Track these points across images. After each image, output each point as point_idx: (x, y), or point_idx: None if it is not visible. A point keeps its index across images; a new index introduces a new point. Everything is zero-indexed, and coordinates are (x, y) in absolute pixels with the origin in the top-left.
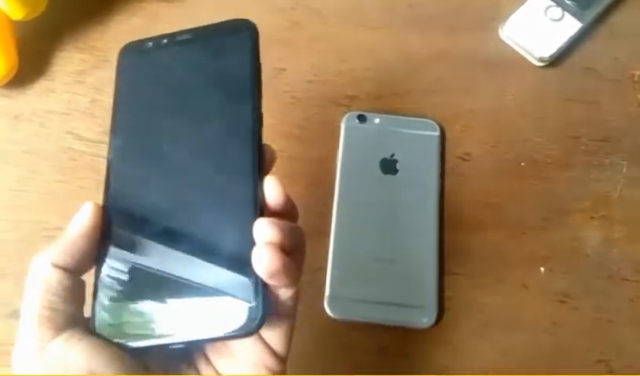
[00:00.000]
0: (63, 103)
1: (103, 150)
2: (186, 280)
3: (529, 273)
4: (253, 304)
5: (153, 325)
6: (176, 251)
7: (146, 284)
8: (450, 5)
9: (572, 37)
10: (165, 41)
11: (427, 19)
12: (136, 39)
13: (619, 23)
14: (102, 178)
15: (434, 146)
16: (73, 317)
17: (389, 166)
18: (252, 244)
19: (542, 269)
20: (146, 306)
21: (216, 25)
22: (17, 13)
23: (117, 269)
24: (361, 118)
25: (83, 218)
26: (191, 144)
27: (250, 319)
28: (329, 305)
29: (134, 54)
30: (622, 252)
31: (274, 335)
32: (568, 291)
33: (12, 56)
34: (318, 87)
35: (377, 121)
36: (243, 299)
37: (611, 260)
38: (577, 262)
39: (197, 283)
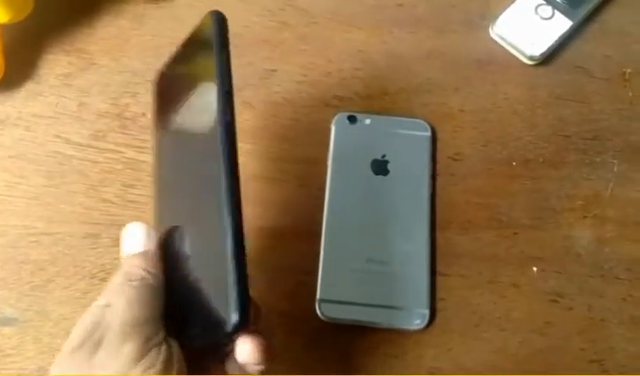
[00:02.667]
0: (50, 107)
1: (92, 154)
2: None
3: (521, 273)
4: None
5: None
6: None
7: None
8: (440, 5)
9: (562, 36)
10: (173, 57)
11: (417, 19)
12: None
13: (609, 22)
14: (90, 182)
15: (425, 147)
16: None
17: (380, 167)
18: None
19: (534, 268)
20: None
21: (196, 27)
22: (2, 16)
23: None
24: (352, 119)
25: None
26: (187, 155)
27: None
28: (321, 307)
29: (160, 79)
30: (614, 251)
31: None
32: (560, 290)
33: None
34: (307, 88)
35: (368, 121)
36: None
37: (603, 259)
38: (569, 262)
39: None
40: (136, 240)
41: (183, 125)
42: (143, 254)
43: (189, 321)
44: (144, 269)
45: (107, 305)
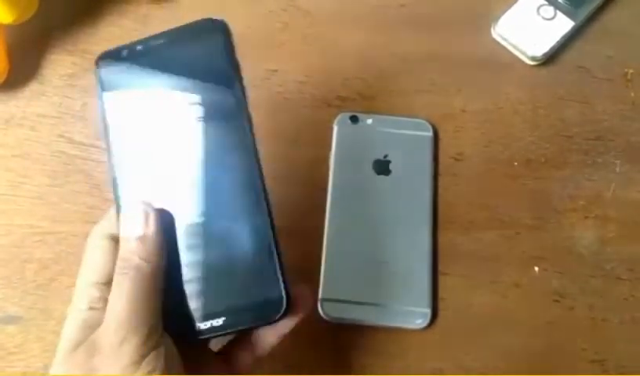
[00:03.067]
0: (54, 107)
1: (96, 154)
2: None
3: (522, 273)
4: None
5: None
6: (204, 249)
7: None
8: (442, 5)
9: (564, 36)
10: (139, 47)
11: (419, 19)
12: (114, 46)
13: (611, 22)
14: (94, 182)
15: (427, 147)
16: None
17: (382, 167)
18: (267, 234)
19: (536, 268)
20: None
21: (186, 26)
22: (7, 17)
23: None
24: (354, 119)
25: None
26: (191, 145)
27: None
28: (323, 306)
29: (112, 62)
30: (616, 251)
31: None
32: (562, 290)
33: (2, 60)
34: (309, 88)
35: (370, 121)
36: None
37: (605, 259)
38: (571, 262)
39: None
40: (134, 221)
41: (171, 109)
42: (141, 239)
43: (202, 314)
44: (142, 257)
45: (94, 308)
